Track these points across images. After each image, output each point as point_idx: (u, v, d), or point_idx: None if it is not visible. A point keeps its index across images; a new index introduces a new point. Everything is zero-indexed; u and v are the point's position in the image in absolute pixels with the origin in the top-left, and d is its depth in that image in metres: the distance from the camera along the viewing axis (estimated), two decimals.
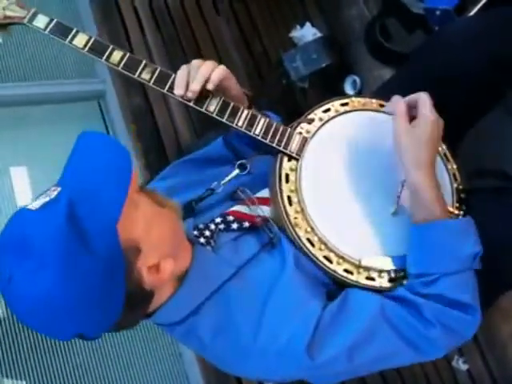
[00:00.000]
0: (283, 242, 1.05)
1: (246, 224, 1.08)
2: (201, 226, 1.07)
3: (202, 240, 1.04)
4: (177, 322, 1.00)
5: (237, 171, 1.13)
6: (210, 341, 0.99)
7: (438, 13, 1.60)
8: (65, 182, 0.85)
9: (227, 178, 1.13)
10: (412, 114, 1.05)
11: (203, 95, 1.08)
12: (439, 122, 1.04)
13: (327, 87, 1.99)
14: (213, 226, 1.07)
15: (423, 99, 1.04)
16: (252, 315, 0.97)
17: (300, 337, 0.94)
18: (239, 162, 1.14)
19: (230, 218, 1.09)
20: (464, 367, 1.81)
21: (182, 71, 1.07)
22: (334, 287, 1.06)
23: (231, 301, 0.99)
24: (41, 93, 2.44)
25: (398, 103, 1.06)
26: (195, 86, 1.05)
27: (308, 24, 2.18)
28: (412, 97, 1.06)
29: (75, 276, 0.79)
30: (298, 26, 2.20)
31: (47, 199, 0.83)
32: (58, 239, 0.78)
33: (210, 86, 1.06)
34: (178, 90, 1.06)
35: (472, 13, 1.56)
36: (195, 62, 1.07)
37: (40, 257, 0.78)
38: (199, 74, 1.05)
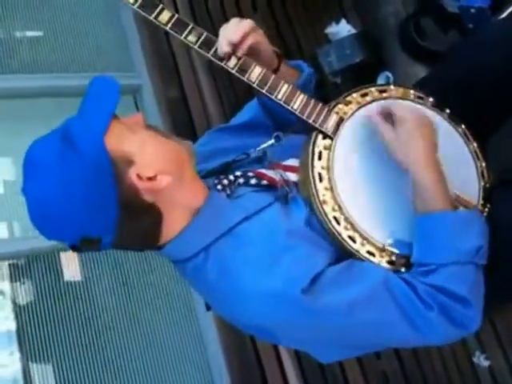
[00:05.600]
0: (299, 202, 1.10)
1: (265, 182, 1.13)
2: (221, 176, 1.13)
3: (219, 187, 1.11)
4: (187, 258, 1.06)
5: (272, 141, 1.17)
6: (215, 281, 1.04)
7: (472, 11, 1.62)
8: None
9: (262, 146, 1.18)
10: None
11: (247, 63, 1.11)
12: (416, 119, 1.07)
13: (360, 83, 2.02)
14: (231, 177, 1.13)
15: (393, 105, 1.10)
16: (256, 257, 1.01)
17: (297, 281, 0.97)
18: (275, 134, 1.17)
19: (250, 174, 1.14)
20: (485, 363, 1.81)
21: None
22: (340, 252, 1.08)
23: (239, 244, 1.04)
24: (76, 85, 2.45)
25: (372, 116, 1.11)
26: (225, 48, 1.09)
27: (343, 21, 2.22)
28: (384, 106, 1.11)
29: (68, 178, 0.95)
30: (334, 23, 2.24)
31: None
32: (52, 151, 0.97)
33: (239, 53, 1.10)
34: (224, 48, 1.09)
35: (507, 12, 1.58)
36: (232, 23, 1.11)
37: (41, 168, 0.97)
38: (231, 36, 1.09)
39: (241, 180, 1.13)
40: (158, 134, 1.06)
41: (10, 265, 2.15)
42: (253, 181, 1.14)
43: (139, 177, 0.98)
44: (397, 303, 0.99)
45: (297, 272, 0.99)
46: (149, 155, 1.00)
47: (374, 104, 1.16)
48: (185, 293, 2.30)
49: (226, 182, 1.12)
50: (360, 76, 2.06)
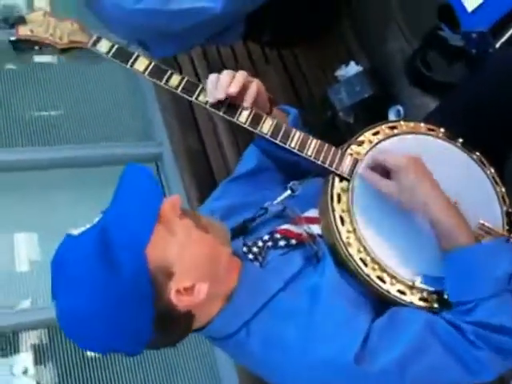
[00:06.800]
0: (327, 257, 1.08)
1: (293, 241, 1.13)
2: (249, 243, 1.13)
3: (250, 256, 1.10)
4: (227, 335, 1.05)
5: (288, 192, 1.18)
6: (261, 354, 1.03)
7: (474, 36, 1.66)
8: (106, 210, 0.97)
9: (279, 199, 1.18)
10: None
11: (257, 116, 1.14)
12: (410, 162, 1.06)
13: (371, 118, 2.04)
14: (260, 243, 1.12)
15: (382, 157, 1.10)
16: (300, 328, 1.00)
17: (348, 349, 0.96)
18: (291, 184, 1.18)
19: (278, 235, 1.13)
20: None
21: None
22: (376, 301, 1.07)
23: (279, 314, 1.03)
24: (98, 155, 2.56)
25: (365, 173, 1.11)
26: (232, 91, 1.10)
27: (352, 63, 2.26)
28: (372, 160, 1.12)
29: (103, 297, 0.90)
30: (343, 66, 2.29)
31: (88, 226, 0.96)
32: (87, 264, 0.91)
33: (246, 104, 1.13)
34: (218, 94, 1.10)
35: (507, 36, 1.62)
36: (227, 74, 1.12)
37: (73, 279, 0.92)
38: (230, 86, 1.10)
39: (269, 244, 1.12)
40: (194, 221, 1.00)
41: (32, 345, 2.16)
42: (281, 242, 1.12)
43: (178, 291, 0.93)
44: (446, 347, 0.98)
45: (345, 337, 0.98)
46: (187, 262, 0.95)
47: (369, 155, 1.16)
48: (204, 343, 2.27)
49: (255, 249, 1.11)
50: (372, 112, 2.09)
